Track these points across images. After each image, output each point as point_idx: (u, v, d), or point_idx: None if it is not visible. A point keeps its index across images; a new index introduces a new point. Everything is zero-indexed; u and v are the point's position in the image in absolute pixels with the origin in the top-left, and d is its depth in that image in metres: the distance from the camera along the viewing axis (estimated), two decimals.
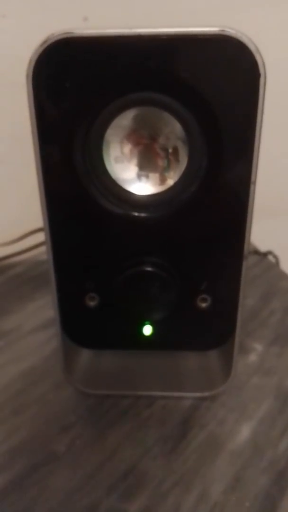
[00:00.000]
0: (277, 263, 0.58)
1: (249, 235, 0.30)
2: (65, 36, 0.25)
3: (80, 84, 0.26)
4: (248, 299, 0.47)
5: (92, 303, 0.33)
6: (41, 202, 0.30)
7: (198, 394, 0.36)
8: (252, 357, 0.41)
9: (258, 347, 0.42)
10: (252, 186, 0.28)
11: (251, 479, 0.31)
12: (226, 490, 0.30)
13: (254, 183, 0.28)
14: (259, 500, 0.29)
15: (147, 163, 0.29)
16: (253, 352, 0.42)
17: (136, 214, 0.30)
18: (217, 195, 0.29)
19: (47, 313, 0.46)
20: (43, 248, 0.32)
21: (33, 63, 0.26)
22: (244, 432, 0.34)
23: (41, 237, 0.36)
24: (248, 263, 0.31)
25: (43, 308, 0.48)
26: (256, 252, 0.57)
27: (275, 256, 0.58)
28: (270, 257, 0.58)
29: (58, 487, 0.30)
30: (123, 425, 0.34)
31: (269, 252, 0.58)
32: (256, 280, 0.52)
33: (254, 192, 0.29)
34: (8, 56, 0.51)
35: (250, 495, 0.30)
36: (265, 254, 0.58)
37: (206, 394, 0.36)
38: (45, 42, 0.25)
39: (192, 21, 0.26)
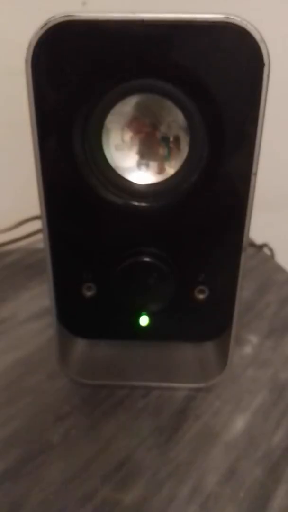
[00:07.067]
0: (272, 255, 0.58)
1: (249, 227, 0.30)
2: (66, 19, 0.24)
3: (80, 69, 0.26)
4: (243, 291, 0.46)
5: (88, 293, 0.33)
6: (38, 190, 0.29)
7: (193, 385, 0.36)
8: (247, 349, 0.41)
9: (254, 339, 0.42)
10: (253, 178, 0.28)
11: (245, 470, 0.31)
12: (221, 481, 0.30)
13: (255, 174, 0.28)
14: (254, 491, 0.29)
15: (147, 151, 0.29)
16: (248, 344, 0.42)
17: (135, 203, 0.30)
18: (218, 185, 0.29)
19: (42, 302, 0.46)
20: (39, 236, 0.32)
21: (32, 46, 0.25)
22: (239, 423, 0.34)
23: (37, 224, 0.35)
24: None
25: (38, 297, 0.47)
26: (252, 244, 0.57)
27: (270, 249, 0.58)
28: (266, 250, 0.58)
29: (52, 477, 0.30)
30: (118, 416, 0.34)
31: (265, 245, 0.58)
32: (251, 273, 0.52)
33: (255, 184, 0.28)
34: (5, 41, 0.50)
35: (244, 486, 0.30)
36: (260, 247, 0.58)
37: (201, 385, 0.36)
38: (45, 24, 0.25)
39: (196, 7, 0.25)
